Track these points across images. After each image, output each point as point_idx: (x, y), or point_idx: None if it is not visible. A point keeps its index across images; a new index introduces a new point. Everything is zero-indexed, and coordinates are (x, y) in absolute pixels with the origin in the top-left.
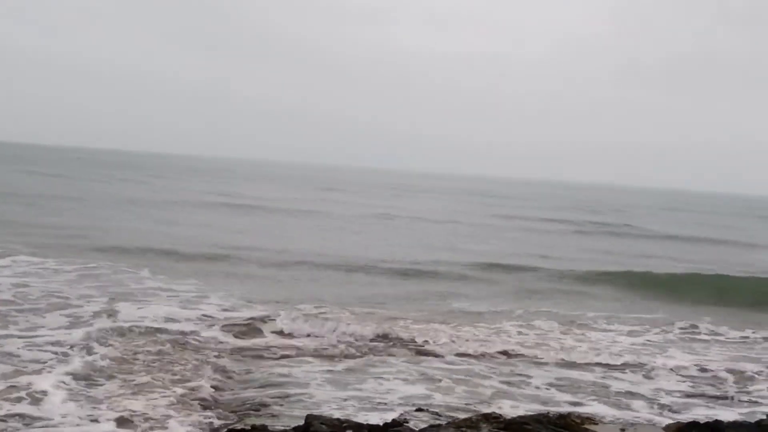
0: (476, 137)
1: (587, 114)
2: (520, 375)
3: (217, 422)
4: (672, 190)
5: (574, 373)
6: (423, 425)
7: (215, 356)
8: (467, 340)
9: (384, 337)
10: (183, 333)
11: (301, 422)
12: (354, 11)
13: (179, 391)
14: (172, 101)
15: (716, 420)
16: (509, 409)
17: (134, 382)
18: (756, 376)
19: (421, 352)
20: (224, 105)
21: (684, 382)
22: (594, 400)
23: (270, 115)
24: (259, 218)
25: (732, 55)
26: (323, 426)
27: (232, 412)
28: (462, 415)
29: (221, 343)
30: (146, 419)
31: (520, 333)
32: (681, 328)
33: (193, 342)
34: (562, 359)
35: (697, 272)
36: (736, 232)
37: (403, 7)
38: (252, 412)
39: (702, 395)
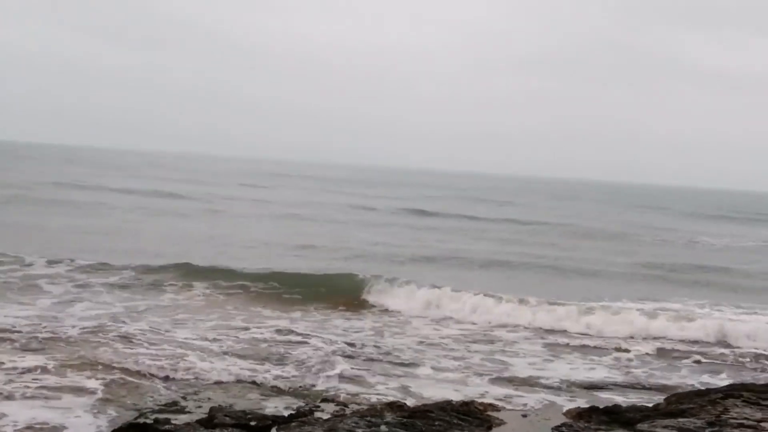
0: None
1: (488, 102)
2: None
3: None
4: (576, 180)
5: None
6: (327, 416)
7: None
8: None
9: None
10: None
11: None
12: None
13: None
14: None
15: (615, 404)
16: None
17: None
18: None
19: None
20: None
21: None
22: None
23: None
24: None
25: (631, 47)
26: (227, 418)
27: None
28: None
29: None
30: None
31: None
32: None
33: None
34: None
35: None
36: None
37: None
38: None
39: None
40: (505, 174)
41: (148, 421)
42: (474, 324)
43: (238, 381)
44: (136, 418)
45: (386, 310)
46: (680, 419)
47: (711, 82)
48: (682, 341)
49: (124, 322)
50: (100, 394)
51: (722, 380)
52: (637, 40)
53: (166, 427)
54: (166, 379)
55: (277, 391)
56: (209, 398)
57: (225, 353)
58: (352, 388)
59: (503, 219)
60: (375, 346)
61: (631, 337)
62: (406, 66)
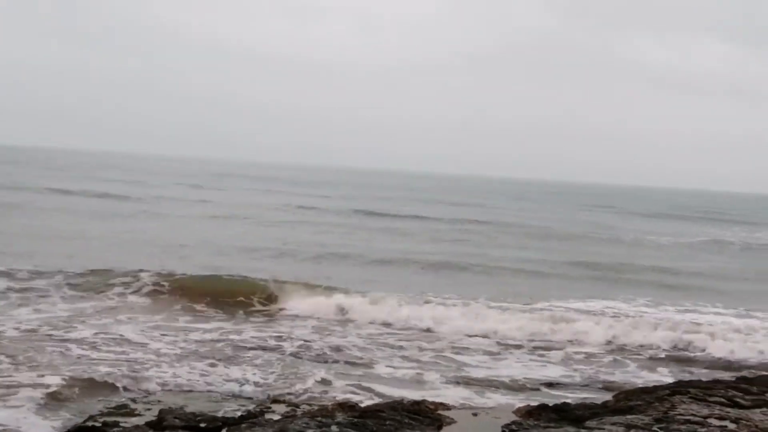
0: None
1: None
2: None
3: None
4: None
5: None
6: (278, 417)
7: None
8: None
9: None
10: None
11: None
12: None
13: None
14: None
15: (564, 401)
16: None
17: None
18: None
19: None
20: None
21: None
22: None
23: None
24: None
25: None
26: (176, 420)
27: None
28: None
29: None
30: None
31: None
32: None
33: None
34: None
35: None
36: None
37: None
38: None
39: None
40: (448, 173)
41: (96, 424)
42: (411, 327)
43: (188, 384)
44: (84, 422)
45: (298, 316)
46: (628, 416)
47: (659, 81)
48: (630, 341)
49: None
50: (47, 399)
51: (670, 378)
52: (585, 41)
53: (115, 430)
54: (113, 384)
55: (230, 395)
56: (159, 401)
57: (175, 356)
58: (303, 388)
59: (449, 219)
60: (312, 346)
61: (575, 340)
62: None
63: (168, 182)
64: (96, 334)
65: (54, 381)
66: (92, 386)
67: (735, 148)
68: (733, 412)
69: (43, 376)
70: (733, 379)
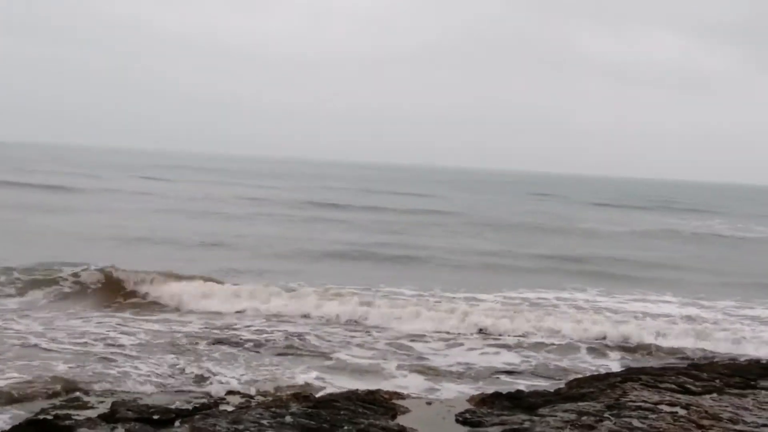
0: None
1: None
2: None
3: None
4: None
5: None
6: (232, 408)
7: None
8: None
9: None
10: None
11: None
12: None
13: None
14: None
15: (518, 389)
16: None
17: None
18: None
19: None
20: None
21: None
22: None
23: None
24: None
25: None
26: (129, 412)
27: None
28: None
29: None
30: None
31: None
32: None
33: None
34: None
35: None
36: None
37: None
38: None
39: None
40: (407, 163)
41: (48, 417)
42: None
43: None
44: (36, 415)
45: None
46: (580, 403)
47: (615, 73)
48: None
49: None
50: None
51: (620, 365)
52: (542, 34)
53: (67, 422)
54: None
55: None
56: (112, 393)
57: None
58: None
59: (394, 209)
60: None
61: (524, 335)
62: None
63: (125, 175)
64: (45, 328)
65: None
66: (39, 382)
67: (685, 139)
68: (684, 398)
69: None
70: (684, 365)
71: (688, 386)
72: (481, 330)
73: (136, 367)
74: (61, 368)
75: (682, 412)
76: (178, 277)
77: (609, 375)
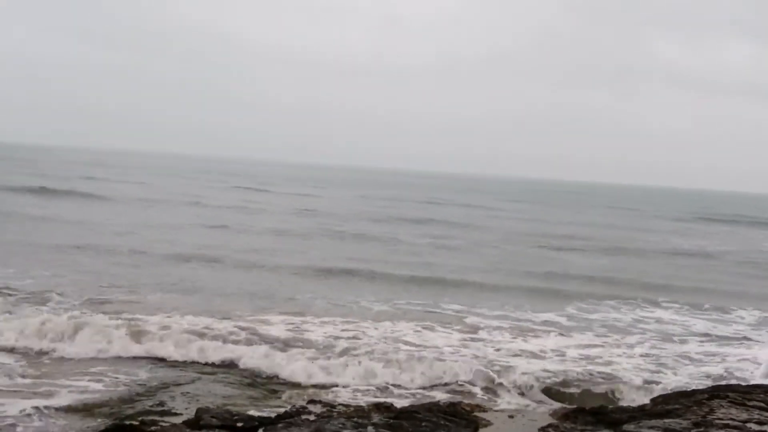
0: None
1: None
2: None
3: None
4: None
5: None
6: (314, 417)
7: None
8: None
9: None
10: None
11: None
12: None
13: None
14: None
15: (601, 405)
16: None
17: None
18: None
19: None
20: None
21: None
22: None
23: None
24: None
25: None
26: (213, 419)
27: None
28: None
29: None
30: None
31: None
32: None
33: None
34: None
35: None
36: None
37: None
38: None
39: None
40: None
41: (134, 422)
42: None
43: None
44: (122, 420)
45: None
46: (666, 420)
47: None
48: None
49: None
50: None
51: None
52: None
53: (153, 428)
54: None
55: None
56: (197, 399)
57: None
58: None
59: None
60: None
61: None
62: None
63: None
64: None
65: None
66: None
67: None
68: None
69: None
70: None
71: None
72: None
73: None
74: None
75: None
76: None
77: (695, 392)
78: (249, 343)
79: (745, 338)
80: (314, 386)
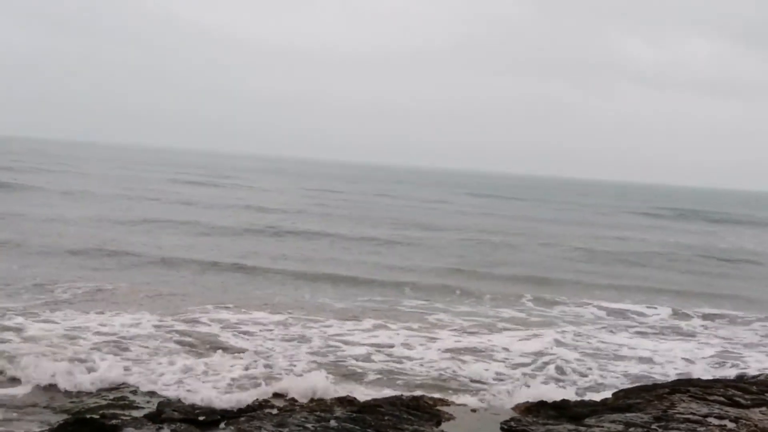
0: None
1: None
2: None
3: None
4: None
5: None
6: (276, 411)
7: None
8: None
9: None
10: None
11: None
12: None
13: None
14: None
15: (563, 399)
16: (362, 391)
17: None
18: None
19: None
20: None
21: None
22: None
23: None
24: None
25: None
26: (175, 413)
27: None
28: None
29: None
30: None
31: None
32: None
33: None
34: None
35: None
36: None
37: None
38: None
39: None
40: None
41: (95, 416)
42: None
43: None
44: (83, 413)
45: None
46: (627, 414)
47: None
48: None
49: None
50: None
51: None
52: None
53: (113, 422)
54: None
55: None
56: (157, 394)
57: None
58: None
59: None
60: None
61: None
62: None
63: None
64: None
65: None
66: None
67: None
68: (733, 411)
69: None
70: (733, 378)
71: (737, 399)
72: None
73: None
74: None
75: (730, 425)
76: None
77: (656, 386)
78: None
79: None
80: None
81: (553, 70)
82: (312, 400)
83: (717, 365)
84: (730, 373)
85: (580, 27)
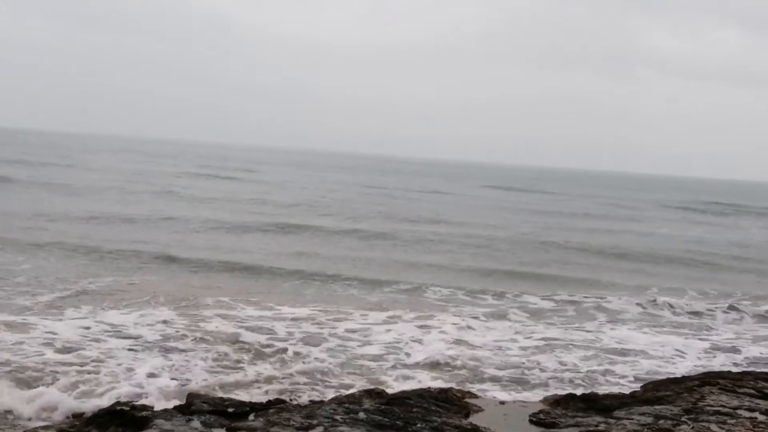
0: None
1: None
2: None
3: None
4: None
5: None
6: (305, 402)
7: None
8: None
9: None
10: None
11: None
12: None
13: None
14: None
15: (592, 391)
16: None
17: None
18: None
19: None
20: None
21: None
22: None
23: None
24: None
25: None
26: (204, 405)
27: None
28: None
29: None
30: None
31: None
32: None
33: None
34: None
35: None
36: None
37: None
38: None
39: None
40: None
41: (125, 408)
42: None
43: None
44: (113, 405)
45: None
46: (657, 406)
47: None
48: None
49: None
50: None
51: None
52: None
53: (144, 413)
54: None
55: None
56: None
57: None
58: None
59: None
60: None
61: None
62: None
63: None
64: None
65: None
66: None
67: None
68: (764, 403)
69: None
70: (763, 370)
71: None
72: None
73: None
74: None
75: (761, 417)
76: None
77: (686, 378)
78: None
79: None
80: None
81: (577, 61)
82: (339, 391)
83: None
84: None
85: (606, 17)
